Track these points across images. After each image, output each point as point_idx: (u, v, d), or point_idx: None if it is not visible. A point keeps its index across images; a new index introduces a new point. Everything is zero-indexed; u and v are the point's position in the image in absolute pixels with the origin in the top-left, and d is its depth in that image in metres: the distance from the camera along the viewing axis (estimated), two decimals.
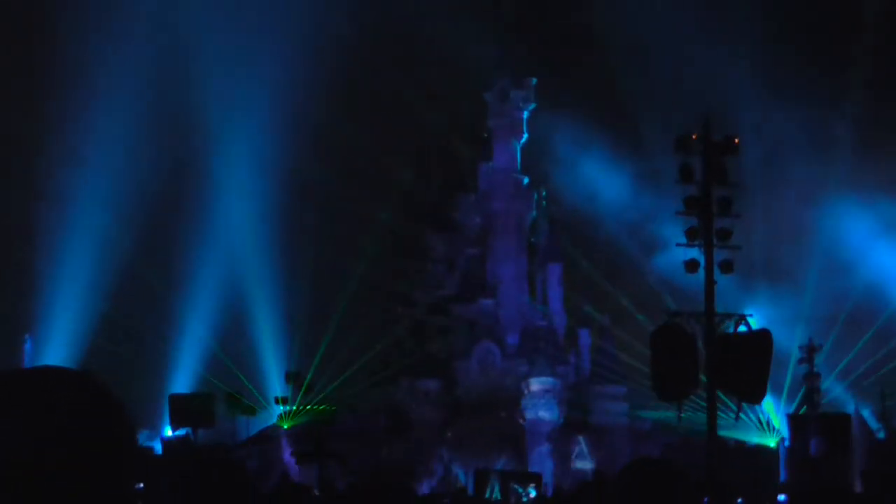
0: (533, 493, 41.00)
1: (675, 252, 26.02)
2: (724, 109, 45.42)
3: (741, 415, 28.92)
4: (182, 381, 57.42)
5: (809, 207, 63.06)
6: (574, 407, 54.36)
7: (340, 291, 61.79)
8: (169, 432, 52.51)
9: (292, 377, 58.62)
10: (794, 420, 55.73)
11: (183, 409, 51.14)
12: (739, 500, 33.49)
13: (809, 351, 57.62)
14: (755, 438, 54.46)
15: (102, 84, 61.82)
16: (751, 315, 25.39)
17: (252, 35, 63.67)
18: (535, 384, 53.26)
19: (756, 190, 45.99)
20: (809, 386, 56.90)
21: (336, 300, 61.62)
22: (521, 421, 53.54)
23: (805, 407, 55.90)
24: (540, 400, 53.13)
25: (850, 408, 55.62)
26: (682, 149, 25.67)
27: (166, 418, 53.20)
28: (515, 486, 42.75)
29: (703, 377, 24.47)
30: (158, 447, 52.32)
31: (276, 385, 58.82)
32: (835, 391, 58.44)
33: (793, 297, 61.07)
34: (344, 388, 57.71)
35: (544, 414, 53.05)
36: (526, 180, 58.75)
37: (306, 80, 61.94)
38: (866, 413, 55.91)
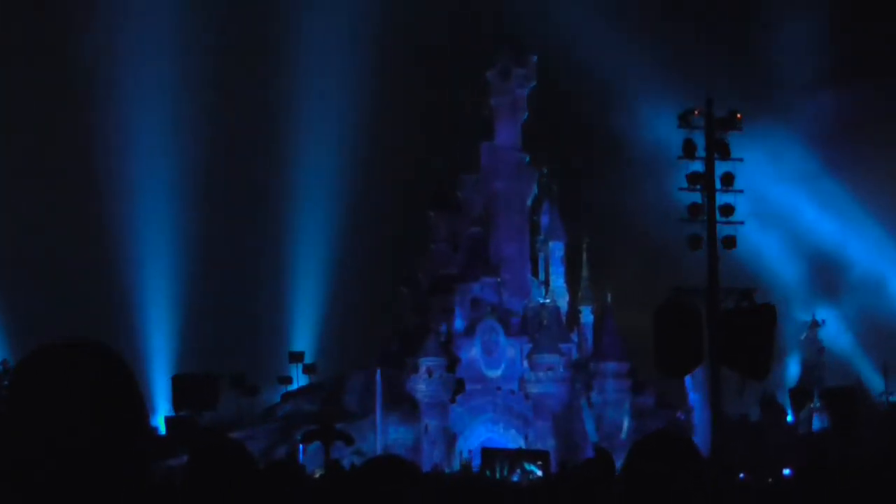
0: (538, 472, 41.05)
1: (681, 227, 25.91)
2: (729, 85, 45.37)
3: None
4: (181, 361, 57.33)
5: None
6: (577, 384, 54.42)
7: (344, 271, 61.89)
8: (165, 415, 52.47)
9: (296, 357, 58.70)
10: (795, 395, 55.80)
11: (186, 391, 51.14)
12: (741, 476, 33.50)
13: (812, 326, 57.72)
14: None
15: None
16: (755, 290, 25.35)
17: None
18: (538, 361, 53.32)
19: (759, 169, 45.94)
20: (812, 361, 56.97)
21: (340, 280, 61.71)
22: (524, 398, 53.63)
23: (808, 381, 55.98)
24: (543, 377, 53.20)
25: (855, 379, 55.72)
26: (685, 124, 25.62)
27: (159, 399, 53.13)
28: (522, 464, 42.81)
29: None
30: (162, 427, 52.42)
31: (279, 365, 58.91)
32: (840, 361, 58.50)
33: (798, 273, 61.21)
34: (348, 367, 57.80)
35: (547, 391, 53.13)
36: (527, 159, 58.66)
37: (302, 62, 61.88)
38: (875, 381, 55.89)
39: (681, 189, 25.75)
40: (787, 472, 33.95)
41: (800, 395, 55.66)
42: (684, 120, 25.62)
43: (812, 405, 54.34)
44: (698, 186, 25.53)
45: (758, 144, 56.26)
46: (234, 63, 64.15)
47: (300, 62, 62.79)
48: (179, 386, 52.10)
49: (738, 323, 23.91)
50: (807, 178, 63.57)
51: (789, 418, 55.19)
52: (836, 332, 60.10)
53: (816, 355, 57.34)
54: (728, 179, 25.58)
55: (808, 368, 57.08)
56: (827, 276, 62.93)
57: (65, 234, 60.60)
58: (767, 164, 59.86)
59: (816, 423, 54.00)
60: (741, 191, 25.83)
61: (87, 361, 2.12)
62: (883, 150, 62.25)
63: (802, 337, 57.49)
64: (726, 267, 26.26)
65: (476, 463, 45.83)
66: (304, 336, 60.51)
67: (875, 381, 56.33)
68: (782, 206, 62.65)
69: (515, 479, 39.87)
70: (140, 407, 2.16)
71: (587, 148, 61.99)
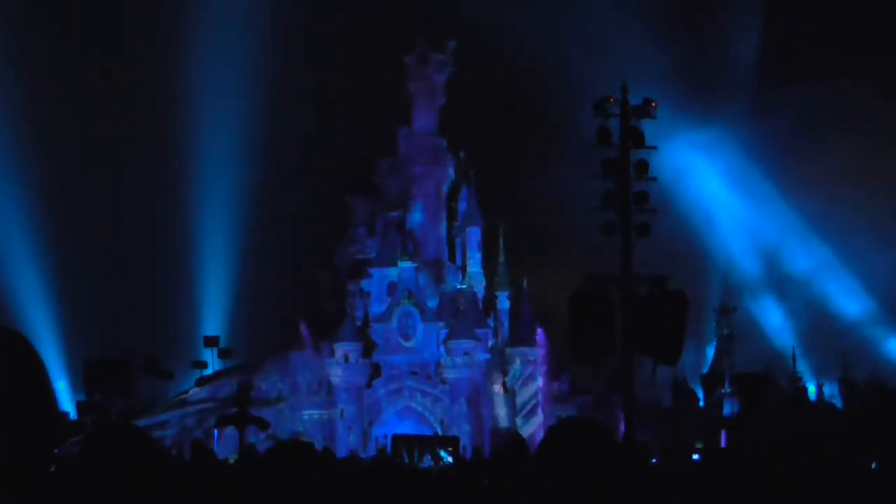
0: (449, 458, 41.17)
1: (597, 214, 26.07)
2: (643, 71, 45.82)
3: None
4: (92, 345, 56.33)
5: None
6: (493, 369, 54.72)
7: (261, 255, 61.49)
8: (69, 404, 51.63)
9: (211, 342, 58.22)
10: (707, 380, 56.70)
11: (99, 375, 50.50)
12: (654, 461, 33.92)
13: (723, 312, 58.67)
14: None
15: None
16: (668, 278, 25.64)
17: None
18: (455, 347, 53.49)
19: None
20: (723, 347, 57.92)
21: (256, 264, 61.31)
22: (440, 383, 53.79)
23: (718, 367, 56.91)
24: (459, 363, 53.39)
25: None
26: (601, 112, 25.76)
27: (70, 383, 52.23)
28: (433, 450, 42.94)
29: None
30: (73, 412, 51.69)
31: (193, 349, 58.36)
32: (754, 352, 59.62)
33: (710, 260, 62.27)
34: (263, 352, 57.48)
35: (463, 376, 53.33)
36: (445, 144, 58.74)
37: (215, 42, 61.22)
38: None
39: (594, 176, 25.90)
40: (696, 457, 34.51)
41: (711, 381, 56.57)
42: (599, 108, 25.77)
43: (723, 390, 55.27)
44: (611, 174, 25.73)
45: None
46: (140, 37, 63.35)
47: (212, 42, 62.09)
48: (92, 370, 51.43)
49: (651, 309, 24.20)
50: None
51: (701, 403, 56.09)
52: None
53: (728, 341, 58.30)
54: (642, 167, 25.79)
55: (719, 354, 58.02)
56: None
57: None
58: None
59: (727, 408, 54.93)
60: (655, 179, 26.10)
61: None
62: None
63: (714, 323, 58.43)
64: (651, 254, 26.54)
65: (389, 448, 45.88)
66: (220, 320, 60.05)
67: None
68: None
69: (426, 465, 39.97)
70: (47, 391, 2.14)
71: (506, 133, 62.29)
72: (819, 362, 57.87)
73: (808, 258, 64.45)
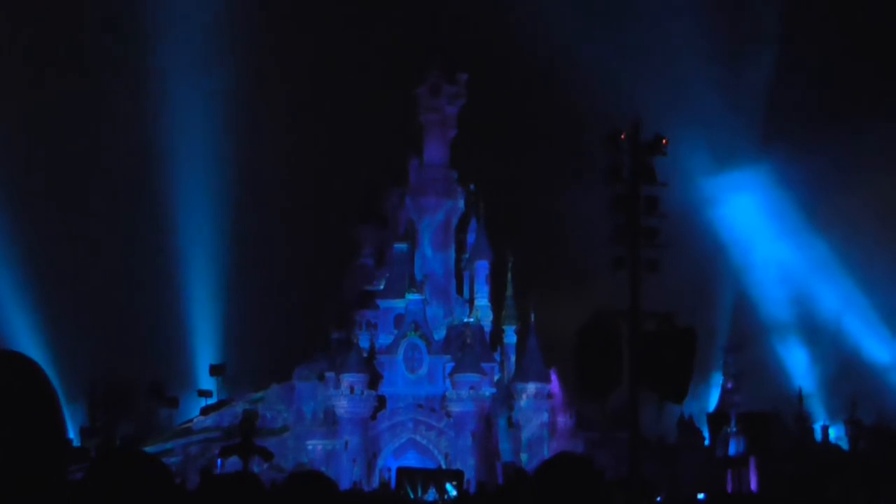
0: (453, 492, 41.00)
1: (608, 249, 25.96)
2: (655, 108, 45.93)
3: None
4: (95, 371, 56.28)
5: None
6: (499, 403, 54.55)
7: (268, 284, 61.52)
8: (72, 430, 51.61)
9: (216, 370, 58.19)
10: (712, 419, 56.44)
11: (103, 401, 50.49)
12: (658, 499, 33.76)
13: (731, 351, 58.51)
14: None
15: None
16: (675, 313, 25.52)
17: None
18: (461, 380, 53.36)
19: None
20: (730, 386, 57.71)
21: (264, 293, 61.33)
22: (446, 417, 53.62)
23: (725, 406, 56.69)
24: (465, 396, 53.24)
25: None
26: (612, 147, 25.69)
27: (72, 409, 52.16)
28: (437, 483, 42.78)
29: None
30: (77, 439, 51.59)
31: (200, 377, 58.32)
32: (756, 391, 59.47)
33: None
34: (269, 380, 57.39)
35: (469, 410, 53.17)
36: (456, 176, 58.82)
37: (236, 78, 61.49)
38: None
39: (605, 212, 25.81)
40: (701, 496, 34.29)
41: (717, 419, 56.33)
42: (610, 143, 25.70)
43: (729, 429, 55.02)
44: (621, 210, 25.65)
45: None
46: (146, 69, 63.68)
47: (216, 71, 62.40)
48: (96, 396, 51.43)
49: (658, 346, 24.06)
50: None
51: (706, 442, 55.82)
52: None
53: (736, 380, 58.11)
54: (652, 203, 25.68)
55: (726, 393, 57.82)
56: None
57: None
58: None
59: (733, 447, 54.66)
60: (665, 215, 25.99)
61: (5, 371, 2.09)
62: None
63: (721, 362, 58.26)
64: (667, 291, 26.42)
65: (394, 481, 45.72)
66: (221, 347, 60.03)
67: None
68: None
69: (431, 498, 39.84)
70: (58, 418, 2.13)
71: (517, 166, 62.38)
72: (840, 404, 57.74)
73: (832, 299, 64.41)
